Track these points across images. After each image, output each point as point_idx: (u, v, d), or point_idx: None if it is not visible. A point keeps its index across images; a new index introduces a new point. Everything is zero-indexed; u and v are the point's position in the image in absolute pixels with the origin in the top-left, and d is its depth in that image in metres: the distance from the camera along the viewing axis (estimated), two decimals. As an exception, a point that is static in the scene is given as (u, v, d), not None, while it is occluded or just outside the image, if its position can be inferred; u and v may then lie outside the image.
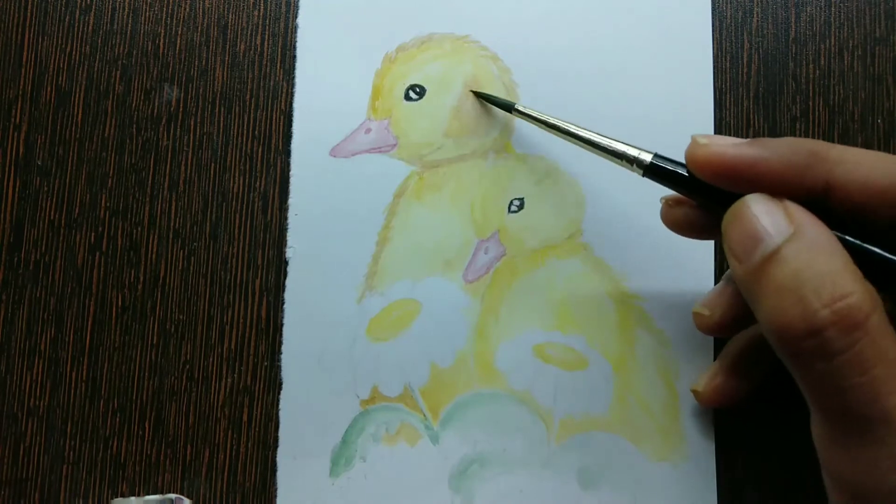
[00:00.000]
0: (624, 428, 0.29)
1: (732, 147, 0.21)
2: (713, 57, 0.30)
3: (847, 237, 0.21)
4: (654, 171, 0.24)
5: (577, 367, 0.29)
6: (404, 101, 0.30)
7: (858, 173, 0.21)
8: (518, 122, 0.30)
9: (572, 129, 0.26)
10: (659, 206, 0.29)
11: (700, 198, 0.23)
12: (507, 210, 0.30)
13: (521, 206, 0.30)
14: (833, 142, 0.30)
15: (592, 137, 0.26)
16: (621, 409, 0.29)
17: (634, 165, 0.24)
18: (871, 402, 0.18)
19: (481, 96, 0.30)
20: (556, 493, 0.28)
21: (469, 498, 0.28)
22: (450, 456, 0.29)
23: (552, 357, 0.29)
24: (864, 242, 0.20)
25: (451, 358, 0.29)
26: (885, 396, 0.18)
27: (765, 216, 0.20)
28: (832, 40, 0.31)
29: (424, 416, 0.29)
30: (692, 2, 0.31)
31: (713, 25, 0.31)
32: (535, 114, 0.28)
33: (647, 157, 0.24)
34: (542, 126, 0.28)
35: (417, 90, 0.30)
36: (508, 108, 0.29)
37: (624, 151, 0.25)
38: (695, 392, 0.28)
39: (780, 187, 0.21)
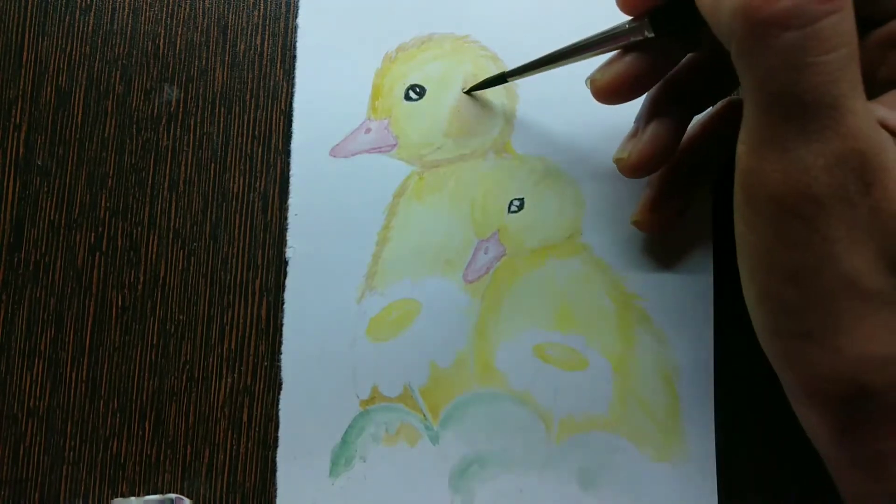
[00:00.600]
0: (624, 428, 0.29)
1: None
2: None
3: None
4: (661, 19, 0.23)
5: (577, 367, 0.29)
6: (404, 101, 0.30)
7: None
8: (518, 122, 0.30)
9: (565, 48, 0.26)
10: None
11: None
12: (506, 210, 0.30)
13: (521, 206, 0.30)
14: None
15: (589, 39, 0.25)
16: (621, 409, 0.29)
17: (645, 32, 0.24)
18: (827, 86, 0.17)
19: (475, 89, 0.30)
20: (556, 493, 0.28)
21: (469, 498, 0.28)
22: (450, 456, 0.29)
23: (552, 357, 0.29)
24: None
25: (451, 358, 0.29)
26: (838, 84, 0.17)
27: None
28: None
29: (424, 416, 0.29)
30: (692, 2, 0.31)
31: (713, 25, 0.31)
32: (526, 64, 0.28)
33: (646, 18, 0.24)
34: (541, 68, 0.27)
35: (417, 90, 0.30)
36: (502, 80, 0.29)
37: (624, 27, 0.24)
38: (638, 218, 0.28)
39: None
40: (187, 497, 0.29)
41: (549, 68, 0.27)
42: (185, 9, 0.31)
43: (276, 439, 0.29)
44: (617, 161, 0.27)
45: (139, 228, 0.30)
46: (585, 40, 0.26)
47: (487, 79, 0.29)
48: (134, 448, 0.29)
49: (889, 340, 0.18)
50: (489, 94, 0.30)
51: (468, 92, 0.30)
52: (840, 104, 0.17)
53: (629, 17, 0.24)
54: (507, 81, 0.29)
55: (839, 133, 0.17)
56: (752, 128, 0.19)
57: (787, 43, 0.17)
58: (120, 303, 0.30)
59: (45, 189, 0.30)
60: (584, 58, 0.26)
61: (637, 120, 0.27)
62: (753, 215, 0.20)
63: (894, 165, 0.18)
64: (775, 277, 0.19)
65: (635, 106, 0.28)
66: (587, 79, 0.26)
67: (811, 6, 0.17)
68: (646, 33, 0.24)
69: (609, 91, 0.25)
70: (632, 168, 0.26)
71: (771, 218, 0.19)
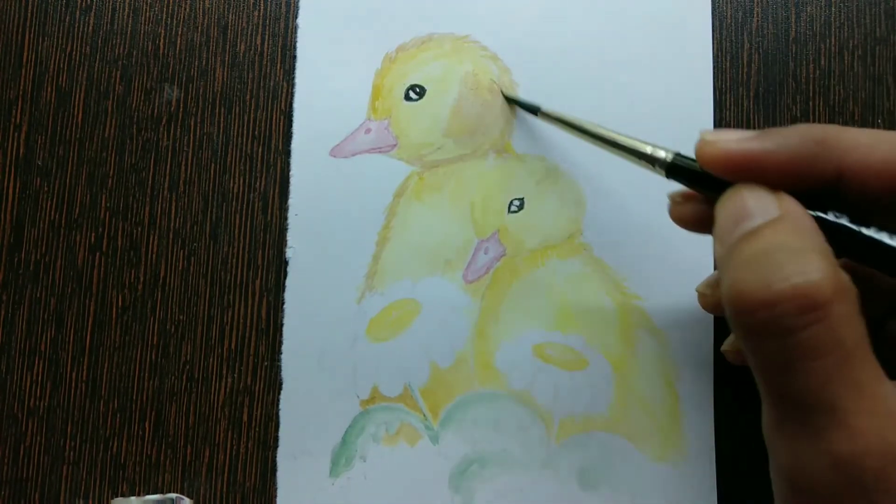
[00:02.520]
0: (624, 428, 0.29)
1: (737, 143, 0.21)
2: (713, 57, 0.30)
3: (847, 224, 0.20)
4: (677, 171, 0.23)
5: (577, 367, 0.29)
6: (404, 101, 0.30)
7: (872, 159, 0.20)
8: (518, 121, 0.30)
9: (599, 130, 0.26)
10: (660, 205, 0.29)
11: (718, 194, 0.23)
12: (507, 210, 0.30)
13: (521, 206, 0.30)
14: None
15: (617, 139, 0.25)
16: (621, 409, 0.29)
17: (656, 166, 0.24)
18: (818, 391, 0.17)
19: (509, 99, 0.30)
20: (556, 493, 0.28)
21: (469, 498, 0.28)
22: (450, 456, 0.29)
23: (552, 357, 0.29)
24: (880, 231, 0.20)
25: (451, 358, 0.29)
26: (833, 387, 0.17)
27: (754, 200, 0.20)
28: (832, 40, 0.31)
29: (424, 416, 0.29)
30: (692, 2, 0.31)
31: (713, 25, 0.31)
32: (559, 116, 0.27)
33: (669, 157, 0.23)
34: (567, 128, 0.27)
35: (417, 90, 0.30)
36: (534, 111, 0.29)
37: (649, 153, 0.24)
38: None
39: (790, 178, 0.20)
40: (187, 497, 0.29)
41: (579, 136, 0.27)
42: (185, 9, 0.31)
43: (276, 439, 0.29)
44: (700, 295, 0.27)
45: (139, 228, 0.30)
46: (620, 138, 0.25)
47: (523, 100, 0.29)
48: (134, 448, 0.29)
49: None
50: (489, 94, 0.30)
51: (507, 98, 0.30)
52: (836, 407, 0.17)
53: (659, 147, 0.24)
54: (537, 115, 0.29)
55: (841, 436, 0.17)
56: (765, 408, 0.19)
57: (769, 346, 0.18)
58: (120, 303, 0.30)
59: (45, 189, 0.30)
60: (609, 150, 0.25)
61: None
62: (778, 486, 0.20)
63: None
64: None
65: (635, 110, 0.28)
66: (671, 197, 0.25)
67: (787, 320, 0.17)
68: (657, 168, 0.24)
69: (685, 223, 0.25)
70: (714, 307, 0.26)
71: (789, 497, 0.19)
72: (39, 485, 0.29)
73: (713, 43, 0.31)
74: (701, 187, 0.23)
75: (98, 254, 0.30)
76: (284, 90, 0.31)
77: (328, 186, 0.30)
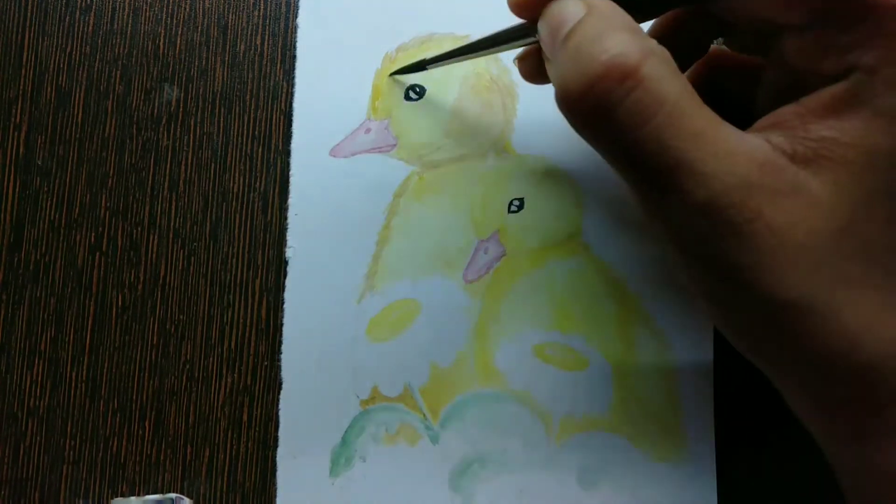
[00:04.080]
0: (624, 428, 0.29)
1: None
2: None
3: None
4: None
5: (577, 367, 0.29)
6: (404, 101, 0.30)
7: None
8: (518, 122, 0.30)
9: (474, 39, 0.26)
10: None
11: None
12: (506, 210, 0.30)
13: (521, 206, 0.30)
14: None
15: (492, 35, 0.25)
16: (621, 409, 0.29)
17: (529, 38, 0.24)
18: (659, 152, 0.18)
19: (397, 73, 0.30)
20: (556, 493, 0.28)
21: (469, 498, 0.28)
22: (450, 456, 0.29)
23: (552, 357, 0.29)
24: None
25: (451, 358, 0.29)
26: (671, 142, 0.18)
27: (561, 9, 0.21)
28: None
29: (424, 416, 0.29)
30: (692, 2, 0.31)
31: (713, 25, 0.31)
32: (442, 54, 0.28)
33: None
34: (456, 59, 0.27)
35: (417, 90, 0.30)
36: (422, 67, 0.29)
37: (517, 27, 0.24)
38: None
39: None
40: (187, 497, 0.29)
41: (464, 59, 0.27)
42: (185, 9, 0.31)
43: (276, 439, 0.29)
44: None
45: (139, 228, 0.30)
46: (491, 36, 0.25)
47: (409, 65, 0.30)
48: (134, 448, 0.29)
49: (832, 342, 0.18)
50: (489, 94, 0.30)
51: (392, 75, 0.30)
52: (681, 160, 0.18)
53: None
54: (426, 69, 0.29)
55: (695, 184, 0.18)
56: (628, 188, 0.20)
57: (604, 129, 0.19)
58: (120, 303, 0.30)
59: (45, 189, 0.30)
60: (499, 50, 0.26)
61: None
62: (672, 257, 0.21)
63: (776, 182, 0.18)
64: (707, 303, 0.21)
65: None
66: (514, 59, 0.26)
67: (606, 97, 0.18)
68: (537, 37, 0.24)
69: (533, 77, 0.26)
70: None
71: (676, 256, 0.20)
72: (39, 485, 0.29)
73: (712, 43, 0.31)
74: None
75: (98, 254, 0.30)
76: (284, 90, 0.31)
77: (328, 186, 0.30)
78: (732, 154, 0.18)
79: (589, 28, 0.19)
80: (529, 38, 0.24)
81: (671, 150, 0.18)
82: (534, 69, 0.26)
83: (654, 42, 0.19)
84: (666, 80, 0.18)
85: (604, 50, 0.18)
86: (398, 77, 0.30)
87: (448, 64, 0.28)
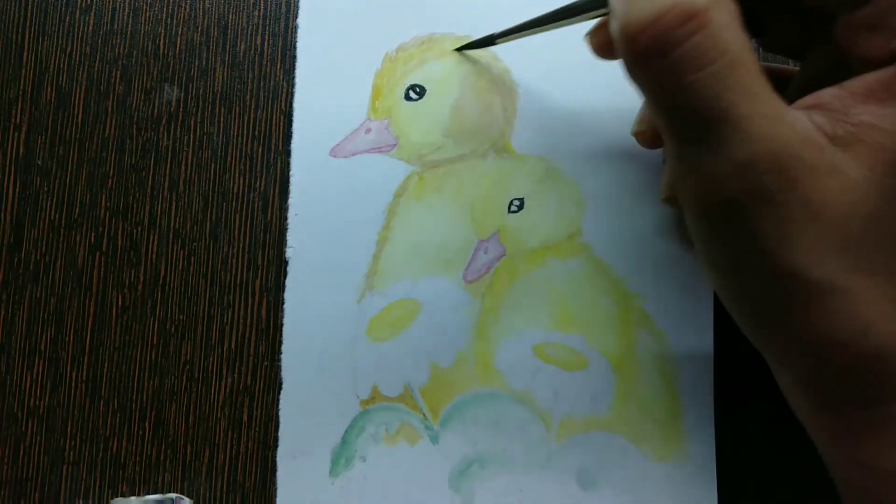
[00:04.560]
0: (624, 428, 0.29)
1: None
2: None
3: None
4: None
5: (577, 367, 0.29)
6: (404, 101, 0.30)
7: None
8: (518, 121, 0.30)
9: (540, 16, 0.26)
10: (660, 205, 0.29)
11: None
12: (506, 210, 0.30)
13: (521, 206, 0.30)
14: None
15: (563, 7, 0.25)
16: (621, 409, 0.29)
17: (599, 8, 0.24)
18: (710, 99, 0.18)
19: (465, 48, 0.30)
20: (556, 493, 0.28)
21: (469, 498, 0.28)
22: (450, 456, 0.29)
23: (552, 357, 0.29)
24: None
25: (451, 358, 0.29)
26: (724, 93, 0.18)
27: None
28: (832, 40, 0.31)
29: (424, 416, 0.29)
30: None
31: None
32: (513, 28, 0.28)
33: None
34: (527, 33, 0.27)
35: (417, 90, 0.30)
36: (491, 42, 0.29)
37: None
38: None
39: None
40: (187, 497, 0.29)
41: (535, 32, 0.27)
42: (185, 9, 0.31)
43: (276, 439, 0.29)
44: (636, 135, 0.27)
45: (139, 228, 0.30)
46: (563, 8, 0.25)
47: (477, 40, 0.30)
48: (134, 448, 0.29)
49: (844, 325, 0.18)
50: (489, 94, 0.30)
51: (459, 49, 0.30)
52: (730, 114, 0.18)
53: None
54: (496, 44, 0.29)
55: (739, 140, 0.18)
56: (665, 139, 0.20)
57: (659, 69, 0.18)
58: (120, 303, 0.30)
59: (45, 189, 0.30)
60: (570, 23, 0.26)
61: None
62: (689, 219, 0.21)
63: (815, 159, 0.18)
64: (720, 274, 0.20)
65: (635, 110, 0.28)
66: (585, 35, 0.26)
67: (669, 34, 0.18)
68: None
69: (605, 51, 0.26)
70: (652, 139, 0.26)
71: (700, 221, 0.20)
72: (39, 485, 0.29)
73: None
74: None
75: (98, 254, 0.30)
76: (284, 90, 0.31)
77: (328, 186, 0.30)
78: (780, 120, 0.18)
79: None
80: (600, 10, 0.24)
81: (722, 101, 0.18)
82: (606, 42, 0.25)
83: None
84: (730, 30, 0.18)
85: None
86: (464, 51, 0.30)
87: (518, 38, 0.28)
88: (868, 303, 0.18)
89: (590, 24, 0.25)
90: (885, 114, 0.18)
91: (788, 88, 0.24)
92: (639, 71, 0.19)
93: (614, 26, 0.19)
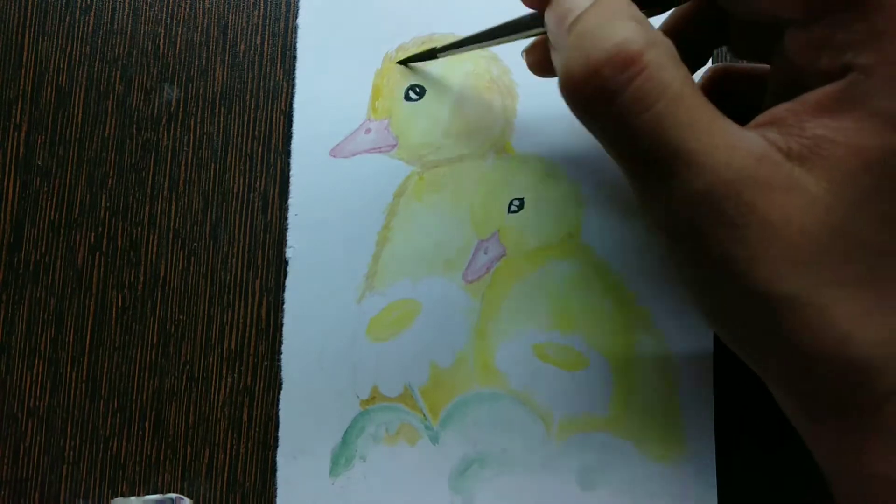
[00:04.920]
0: (624, 428, 0.29)
1: None
2: (713, 57, 0.30)
3: None
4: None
5: (577, 367, 0.29)
6: (404, 101, 0.30)
7: None
8: (518, 122, 0.30)
9: (482, 30, 0.27)
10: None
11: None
12: (506, 210, 0.30)
13: (520, 206, 0.30)
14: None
15: (499, 26, 0.26)
16: (621, 409, 0.29)
17: (532, 30, 0.24)
18: (659, 139, 0.18)
19: (405, 62, 0.30)
20: (556, 493, 0.28)
21: (469, 498, 0.28)
22: (450, 456, 0.29)
23: (552, 357, 0.29)
24: None
25: (451, 358, 0.29)
26: (671, 131, 0.18)
27: None
28: (832, 40, 0.31)
29: (424, 416, 0.29)
30: (692, 2, 0.31)
31: (713, 25, 0.31)
32: (451, 42, 0.28)
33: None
34: (464, 49, 0.28)
35: (417, 90, 0.30)
36: (433, 56, 0.29)
37: (520, 19, 0.25)
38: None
39: None
40: (187, 497, 0.29)
41: (474, 48, 0.28)
42: (185, 9, 0.31)
43: (276, 439, 0.29)
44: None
45: (139, 228, 0.30)
46: (500, 26, 0.26)
47: (419, 53, 0.30)
48: (134, 448, 0.29)
49: (822, 338, 0.18)
50: (489, 94, 0.30)
51: (400, 62, 0.30)
52: (680, 149, 0.18)
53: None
54: (437, 57, 0.29)
55: (692, 173, 0.18)
56: (623, 174, 0.21)
57: (605, 115, 0.19)
58: (120, 303, 0.30)
59: (45, 189, 0.30)
60: (509, 40, 0.26)
61: None
62: (660, 245, 0.21)
63: (771, 177, 0.18)
64: (697, 295, 0.21)
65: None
66: (522, 51, 0.27)
67: (609, 83, 0.19)
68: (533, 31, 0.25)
69: (539, 69, 0.27)
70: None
71: (669, 247, 0.20)
72: (39, 485, 0.29)
73: (713, 43, 0.31)
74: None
75: (98, 254, 0.30)
76: (284, 90, 0.31)
77: (328, 186, 0.30)
78: (731, 146, 0.18)
79: (595, 16, 0.20)
80: (537, 29, 0.24)
81: (671, 138, 0.18)
82: (541, 60, 0.26)
83: (658, 33, 0.19)
84: (669, 69, 0.19)
85: (608, 37, 0.19)
86: (408, 66, 0.30)
87: (457, 53, 0.29)
88: (842, 314, 0.18)
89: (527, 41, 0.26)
90: (839, 126, 0.18)
91: (766, 96, 0.24)
92: (585, 118, 0.20)
93: (559, 74, 0.20)
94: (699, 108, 0.19)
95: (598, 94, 0.19)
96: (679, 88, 0.18)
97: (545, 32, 0.23)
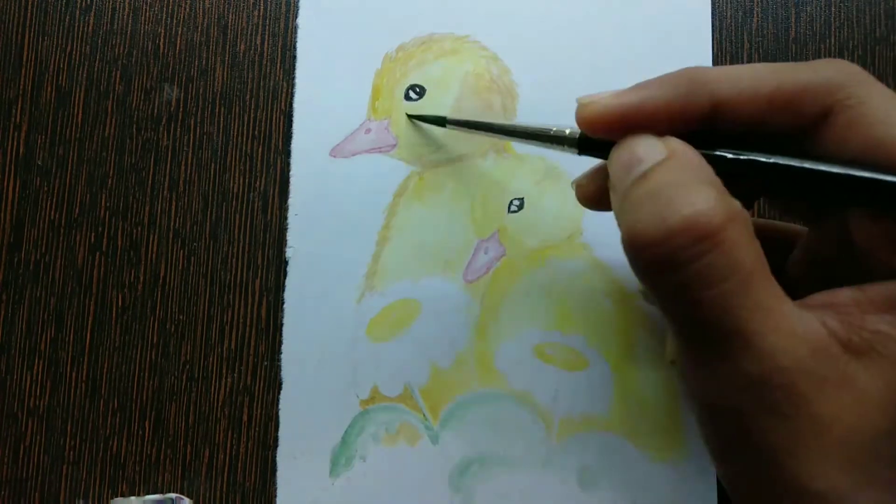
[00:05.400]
0: (624, 428, 0.29)
1: (614, 98, 0.21)
2: (713, 57, 0.30)
3: (728, 153, 0.20)
4: (587, 144, 0.23)
5: (577, 367, 0.29)
6: (404, 101, 0.30)
7: (741, 86, 0.20)
8: (518, 121, 0.30)
9: (505, 124, 0.26)
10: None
11: None
12: (506, 210, 0.30)
13: (520, 206, 0.30)
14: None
15: (525, 127, 0.25)
16: (621, 409, 0.29)
17: (566, 146, 0.23)
18: (722, 316, 0.18)
19: (415, 118, 0.30)
20: (556, 493, 0.28)
21: (469, 498, 0.28)
22: (450, 456, 0.29)
23: (552, 357, 0.29)
24: (759, 155, 0.20)
25: (451, 358, 0.29)
26: (736, 310, 0.18)
27: (641, 146, 0.20)
28: (832, 40, 0.31)
29: (424, 416, 0.29)
30: (692, 2, 0.31)
31: (713, 25, 0.31)
32: (464, 120, 0.28)
33: (577, 133, 0.23)
34: (476, 131, 0.28)
35: (417, 90, 0.30)
36: (441, 123, 0.29)
37: (555, 133, 0.24)
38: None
39: (671, 122, 0.21)
40: (187, 497, 0.29)
41: (488, 135, 0.27)
42: (185, 9, 0.31)
43: (276, 439, 0.29)
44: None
45: (139, 228, 0.30)
46: (524, 127, 0.25)
47: (429, 116, 0.30)
48: (134, 448, 0.29)
49: None
50: (489, 94, 0.30)
51: (410, 117, 0.30)
52: (742, 329, 0.18)
53: (566, 127, 0.24)
54: (445, 126, 0.29)
55: (750, 356, 0.18)
56: (672, 335, 0.20)
57: (668, 281, 0.18)
58: (120, 303, 0.30)
59: (45, 189, 0.30)
60: (521, 141, 0.26)
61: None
62: (693, 407, 0.20)
63: (827, 370, 0.18)
64: (722, 463, 0.20)
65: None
66: (572, 182, 0.25)
67: (679, 253, 0.18)
68: (566, 148, 0.24)
69: (589, 201, 0.25)
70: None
71: (704, 416, 0.20)
72: (39, 485, 0.29)
73: (713, 43, 0.31)
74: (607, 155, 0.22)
75: (98, 254, 0.30)
76: (284, 90, 0.31)
77: (328, 186, 0.30)
78: (790, 332, 0.18)
79: (671, 174, 0.19)
80: (565, 148, 0.23)
81: (734, 318, 0.18)
82: (594, 194, 0.24)
83: (737, 203, 0.19)
84: (744, 248, 0.18)
85: (688, 203, 0.18)
86: (413, 122, 0.30)
87: (468, 131, 0.28)
88: None
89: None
90: None
91: (794, 252, 0.23)
92: (648, 279, 0.19)
93: (622, 230, 0.19)
94: (768, 289, 0.18)
95: (666, 260, 0.18)
96: (750, 268, 0.18)
97: (564, 144, 0.22)
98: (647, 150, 0.20)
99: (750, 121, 0.20)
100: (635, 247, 0.19)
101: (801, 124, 0.20)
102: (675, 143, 0.20)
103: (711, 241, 0.18)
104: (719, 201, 0.18)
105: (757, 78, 0.20)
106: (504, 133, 0.26)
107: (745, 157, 0.20)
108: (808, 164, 0.19)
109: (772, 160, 0.20)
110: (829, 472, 0.18)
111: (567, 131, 0.23)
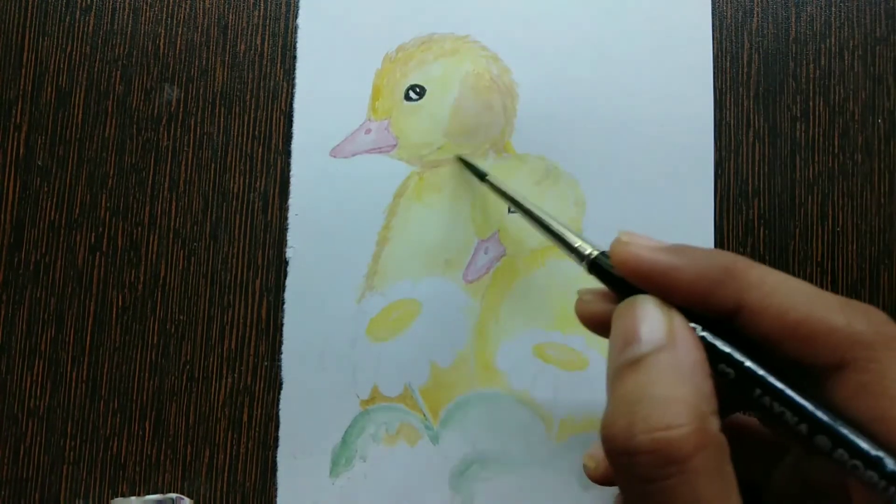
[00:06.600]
0: (624, 428, 0.29)
1: (649, 251, 0.21)
2: (713, 57, 0.30)
3: (734, 352, 0.20)
4: (597, 269, 0.23)
5: (577, 367, 0.29)
6: (404, 102, 0.30)
7: (772, 301, 0.20)
8: (518, 122, 0.30)
9: (535, 212, 0.26)
10: (660, 206, 0.29)
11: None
12: (507, 210, 0.30)
13: (521, 206, 0.30)
14: (832, 142, 0.30)
15: (550, 224, 0.25)
16: (621, 409, 0.29)
17: (582, 262, 0.23)
18: None
19: (464, 163, 0.30)
20: (556, 493, 0.28)
21: (469, 498, 0.28)
22: (450, 456, 0.29)
23: (552, 357, 0.29)
24: (760, 368, 0.19)
25: (451, 358, 0.29)
26: None
27: (646, 321, 0.20)
28: (832, 40, 0.31)
29: (424, 416, 0.29)
30: (692, 2, 0.31)
31: (713, 25, 0.31)
32: (503, 188, 0.27)
33: (593, 254, 0.23)
34: (506, 200, 0.27)
35: (417, 90, 0.30)
36: (481, 176, 0.29)
37: (576, 246, 0.24)
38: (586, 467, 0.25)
39: (692, 297, 0.20)
40: (187, 497, 0.29)
41: (516, 210, 0.27)
42: (185, 9, 0.31)
43: (276, 439, 0.29)
44: (585, 468, 0.24)
45: (139, 228, 0.30)
46: (553, 225, 0.25)
47: (473, 164, 0.29)
48: (134, 448, 0.29)
49: None
50: (489, 94, 0.30)
51: (459, 158, 0.30)
52: None
53: (587, 242, 0.23)
54: (482, 181, 0.29)
55: None
56: None
57: (633, 486, 0.18)
58: (120, 303, 0.30)
59: (45, 189, 0.30)
60: (542, 233, 0.25)
61: None
62: None
63: None
64: None
65: (634, 109, 0.28)
66: (577, 291, 0.24)
67: (646, 470, 0.17)
68: (583, 263, 0.23)
69: (589, 321, 0.24)
70: (603, 477, 0.24)
71: None
72: (39, 485, 0.29)
73: (713, 43, 0.31)
74: (615, 289, 0.22)
75: (98, 254, 0.30)
76: (284, 90, 0.31)
77: (328, 186, 0.30)
78: None
79: (660, 376, 0.19)
80: (583, 264, 0.23)
81: None
82: (597, 318, 0.23)
83: (714, 427, 0.18)
84: (709, 479, 0.17)
85: (664, 423, 0.17)
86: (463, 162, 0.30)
87: (500, 197, 0.28)
88: None
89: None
90: None
91: (786, 459, 0.23)
92: (615, 472, 0.19)
93: (603, 417, 0.19)
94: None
95: (630, 471, 0.18)
96: (710, 500, 0.17)
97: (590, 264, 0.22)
98: (649, 329, 0.19)
99: (769, 336, 0.20)
100: (605, 443, 0.18)
101: (816, 363, 0.19)
102: (679, 328, 0.19)
103: (677, 468, 0.17)
104: (695, 427, 0.17)
105: (789, 300, 0.20)
106: (530, 217, 0.26)
107: (747, 366, 0.19)
108: (808, 405, 0.19)
109: (771, 381, 0.19)
110: None
111: (587, 250, 0.23)
